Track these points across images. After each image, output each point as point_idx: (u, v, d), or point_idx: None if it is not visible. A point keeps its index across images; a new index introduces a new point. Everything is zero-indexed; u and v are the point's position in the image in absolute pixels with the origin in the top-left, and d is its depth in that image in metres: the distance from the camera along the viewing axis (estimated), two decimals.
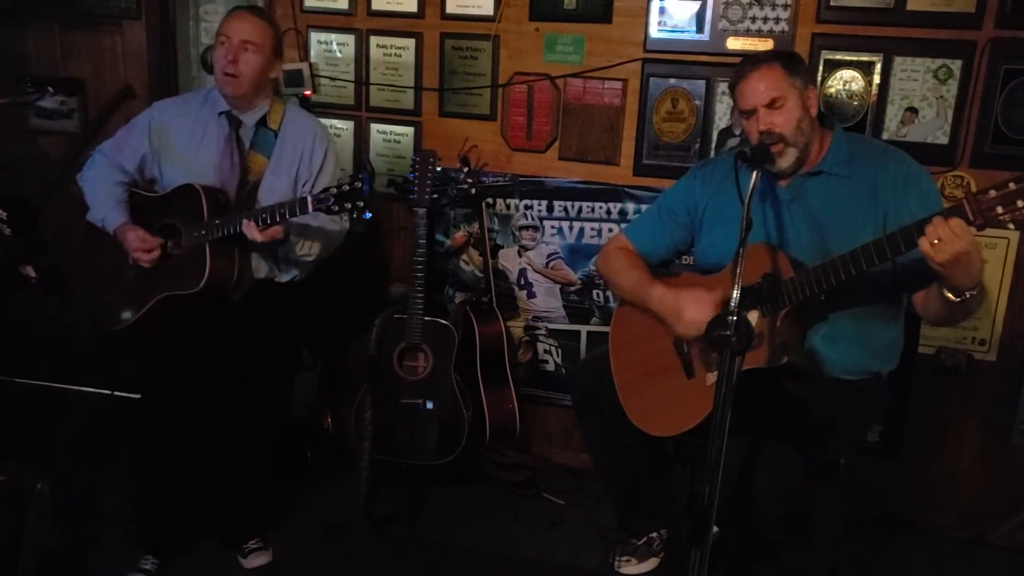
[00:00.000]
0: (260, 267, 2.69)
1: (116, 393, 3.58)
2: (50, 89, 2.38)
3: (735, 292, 1.74)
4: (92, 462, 3.15)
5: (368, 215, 2.33)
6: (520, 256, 3.30)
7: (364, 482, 2.95)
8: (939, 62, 2.77)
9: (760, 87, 2.14)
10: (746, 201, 1.84)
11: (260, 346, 2.61)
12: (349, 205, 2.31)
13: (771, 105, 2.13)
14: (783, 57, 2.21)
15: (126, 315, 2.65)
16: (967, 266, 1.81)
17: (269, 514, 2.89)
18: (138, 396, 2.61)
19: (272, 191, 2.67)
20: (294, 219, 2.45)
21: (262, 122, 2.71)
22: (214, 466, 2.71)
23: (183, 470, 2.63)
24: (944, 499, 3.04)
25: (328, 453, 3.29)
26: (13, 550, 1.82)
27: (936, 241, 1.76)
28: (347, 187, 2.30)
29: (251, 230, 2.42)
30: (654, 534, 2.71)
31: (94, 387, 3.73)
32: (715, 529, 1.82)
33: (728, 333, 1.72)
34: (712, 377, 2.16)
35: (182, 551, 2.70)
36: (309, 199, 2.36)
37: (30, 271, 2.21)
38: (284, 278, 2.75)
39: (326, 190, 2.34)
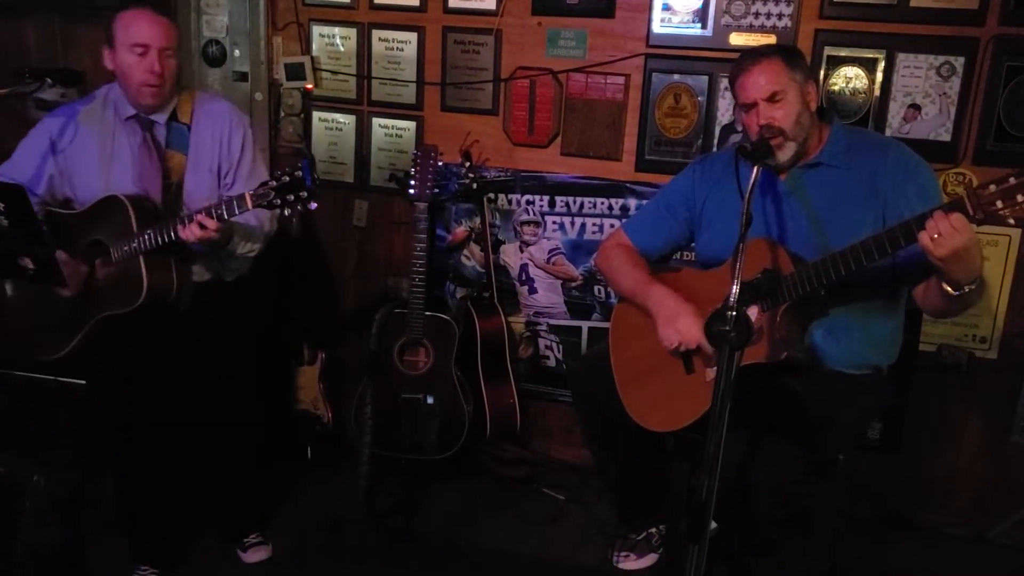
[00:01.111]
0: (202, 271, 2.54)
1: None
2: (49, 80, 2.35)
3: (734, 288, 1.74)
4: (86, 454, 3.13)
5: (314, 205, 2.15)
6: (521, 251, 3.30)
7: (364, 477, 2.96)
8: (942, 59, 2.76)
9: (760, 81, 2.13)
10: (746, 196, 1.84)
11: (220, 346, 2.56)
12: (292, 197, 2.15)
13: (771, 99, 2.13)
14: (783, 51, 2.20)
15: (63, 342, 2.47)
16: (967, 261, 1.81)
17: (266, 508, 2.90)
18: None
19: (196, 188, 2.54)
20: (233, 218, 2.29)
21: (172, 117, 2.53)
22: (201, 466, 2.69)
23: (166, 479, 2.60)
24: (944, 496, 3.04)
25: (328, 448, 3.30)
26: (9, 544, 1.82)
27: (936, 236, 1.76)
28: (287, 178, 2.15)
29: (192, 230, 2.25)
30: (653, 529, 2.71)
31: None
32: (714, 525, 1.82)
33: (727, 328, 1.71)
34: (711, 373, 2.15)
35: (179, 557, 2.70)
36: (247, 195, 2.21)
37: (28, 262, 2.18)
38: (230, 277, 2.62)
39: (264, 184, 2.19)
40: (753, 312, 1.92)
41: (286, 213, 2.17)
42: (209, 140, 2.55)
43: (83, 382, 3.68)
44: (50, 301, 2.46)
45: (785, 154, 2.15)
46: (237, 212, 2.24)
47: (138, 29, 2.38)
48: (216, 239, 2.29)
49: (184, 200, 2.50)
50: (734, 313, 1.71)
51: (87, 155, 2.50)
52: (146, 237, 2.31)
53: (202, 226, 2.23)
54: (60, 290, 2.38)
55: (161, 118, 2.50)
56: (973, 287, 1.89)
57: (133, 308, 2.33)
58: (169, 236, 2.28)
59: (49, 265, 2.20)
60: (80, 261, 2.42)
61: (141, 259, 2.33)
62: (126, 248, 2.34)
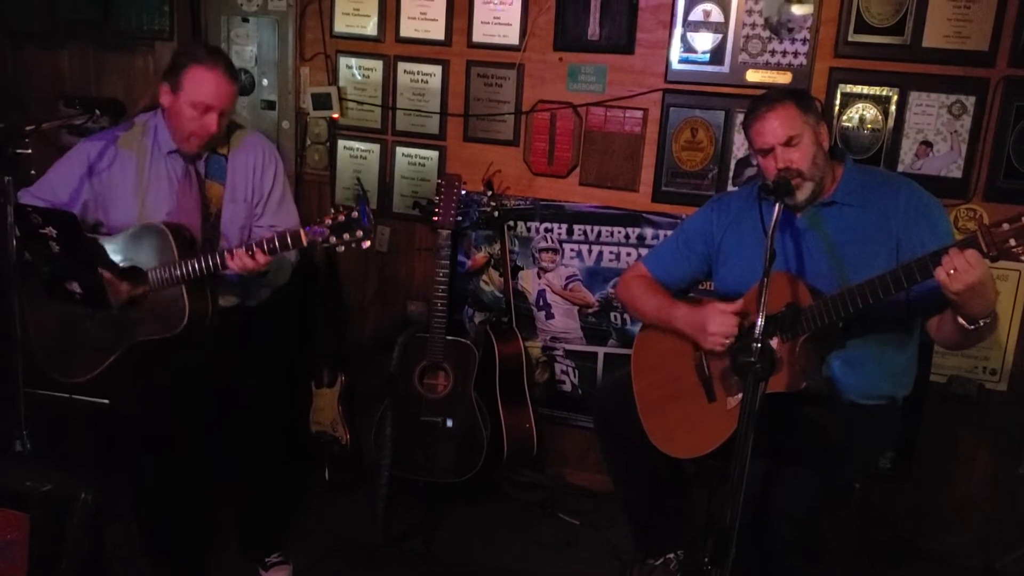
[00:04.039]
0: (229, 298, 2.62)
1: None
2: (97, 111, 2.42)
3: (760, 320, 1.80)
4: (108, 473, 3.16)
5: (367, 244, 2.22)
6: (539, 278, 3.37)
7: (382, 499, 2.99)
8: (953, 98, 2.84)
9: (775, 125, 2.20)
10: (769, 232, 1.91)
11: (242, 369, 2.60)
12: (347, 236, 2.22)
13: (788, 143, 2.20)
14: (795, 95, 2.28)
15: (94, 364, 2.51)
16: (982, 296, 1.87)
17: (288, 528, 2.93)
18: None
19: (233, 218, 2.63)
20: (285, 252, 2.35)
21: (211, 149, 2.61)
22: (223, 486, 2.74)
23: (188, 499, 2.63)
24: (953, 526, 3.08)
25: (346, 470, 3.34)
26: (53, 559, 1.87)
27: (952, 271, 1.83)
28: (342, 218, 2.21)
29: (240, 259, 2.32)
30: (671, 555, 2.74)
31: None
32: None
33: (752, 359, 1.77)
34: (733, 401, 2.21)
35: None
36: (303, 233, 2.26)
37: (75, 286, 2.24)
38: (253, 303, 2.70)
39: (321, 221, 2.24)
40: (773, 343, 1.99)
41: (339, 250, 2.22)
42: (244, 171, 2.63)
43: (101, 401, 3.73)
44: (81, 324, 2.51)
45: (803, 193, 2.22)
46: (291, 248, 2.30)
47: (208, 89, 2.43)
48: (260, 270, 2.35)
49: (221, 229, 2.57)
50: (759, 345, 1.77)
51: (123, 182, 2.56)
52: (189, 266, 2.36)
53: (253, 258, 2.30)
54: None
55: (204, 153, 2.57)
56: (987, 321, 1.96)
57: (176, 334, 2.39)
58: (212, 266, 2.34)
59: (96, 290, 2.26)
60: (122, 281, 2.44)
61: (183, 287, 2.38)
62: (166, 276, 2.39)
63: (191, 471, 2.61)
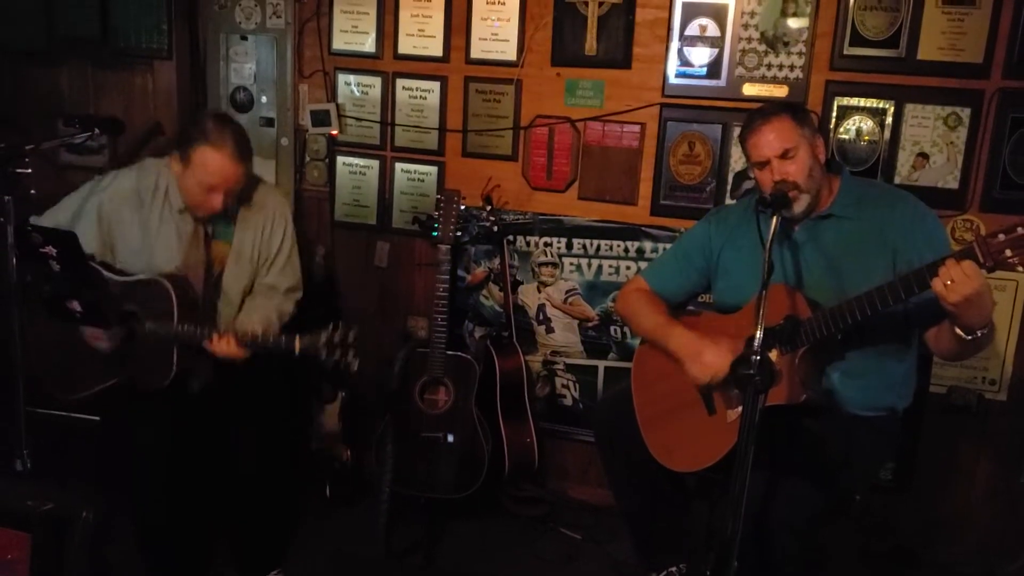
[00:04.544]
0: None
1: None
2: (96, 130, 2.44)
3: (759, 333, 1.81)
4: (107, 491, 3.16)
5: (355, 367, 2.37)
6: (539, 292, 3.38)
7: (383, 514, 2.98)
8: (949, 110, 2.86)
9: (772, 138, 2.22)
10: (767, 245, 1.92)
11: (246, 386, 2.60)
12: (338, 353, 2.34)
13: (784, 155, 2.21)
14: (790, 108, 2.29)
15: (84, 387, 2.56)
16: (979, 306, 1.88)
17: (287, 544, 2.92)
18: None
19: (237, 278, 2.65)
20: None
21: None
22: (222, 502, 2.73)
23: (188, 515, 2.63)
24: (954, 535, 3.08)
25: (347, 485, 3.33)
26: None
27: (949, 282, 1.84)
28: (338, 337, 2.33)
29: (223, 346, 2.37)
30: (674, 568, 2.73)
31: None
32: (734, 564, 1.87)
33: (752, 372, 1.78)
34: (733, 414, 2.22)
35: None
36: (296, 344, 2.33)
37: (76, 305, 2.25)
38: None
39: (313, 344, 2.33)
40: (773, 356, 1.99)
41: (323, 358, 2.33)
42: (252, 232, 2.66)
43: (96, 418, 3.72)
44: (84, 345, 2.52)
45: (800, 205, 2.23)
46: (283, 350, 2.36)
47: (213, 170, 2.44)
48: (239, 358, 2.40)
49: (223, 287, 2.60)
50: (758, 357, 1.78)
51: (132, 233, 2.58)
52: (182, 331, 2.41)
53: (236, 348, 2.37)
54: (97, 343, 2.46)
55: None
56: (985, 331, 1.96)
57: (160, 387, 2.44)
58: (200, 340, 2.39)
59: (96, 308, 2.27)
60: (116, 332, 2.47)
61: (175, 349, 2.43)
62: (162, 333, 2.43)
63: (192, 489, 2.60)
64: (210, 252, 2.60)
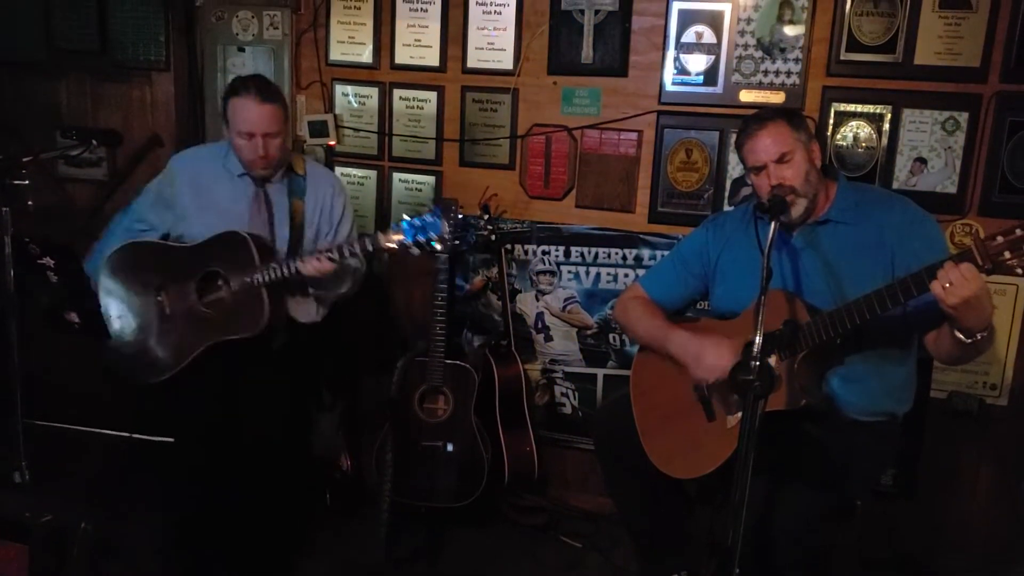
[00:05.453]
0: (308, 312, 2.78)
1: (135, 436, 3.60)
2: (94, 142, 2.45)
3: (758, 338, 1.80)
4: (106, 503, 3.16)
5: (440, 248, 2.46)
6: (538, 300, 3.37)
7: (384, 524, 2.98)
8: (946, 114, 2.86)
9: (768, 143, 2.22)
10: (766, 251, 1.92)
11: (280, 388, 2.68)
12: (423, 239, 2.41)
13: (780, 160, 2.21)
14: (786, 113, 2.29)
15: (167, 366, 2.63)
16: (978, 309, 1.88)
17: (289, 553, 2.92)
18: (159, 439, 2.67)
19: (308, 236, 2.77)
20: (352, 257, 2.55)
21: (289, 169, 2.77)
22: (232, 508, 2.73)
23: (212, 517, 2.66)
24: (957, 541, 3.07)
25: (347, 494, 3.32)
26: None
27: (948, 285, 1.83)
28: (419, 221, 2.42)
29: (313, 263, 2.49)
30: (676, 575, 2.73)
31: (113, 429, 3.73)
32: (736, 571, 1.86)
33: (751, 378, 1.78)
34: (732, 420, 2.21)
35: None
36: (380, 235, 2.45)
37: (73, 316, 2.26)
38: (304, 319, 2.80)
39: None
40: (772, 361, 1.99)
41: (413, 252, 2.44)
42: (312, 201, 2.78)
43: (95, 430, 3.73)
44: (157, 325, 2.64)
45: (797, 210, 2.23)
46: (371, 248, 2.49)
47: (244, 117, 2.58)
48: (333, 273, 2.53)
49: (303, 242, 2.73)
50: (757, 363, 1.77)
51: (202, 199, 2.73)
52: (271, 270, 2.52)
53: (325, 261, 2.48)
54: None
55: (276, 175, 2.73)
56: (985, 334, 1.96)
57: (256, 333, 2.53)
58: (291, 270, 2.50)
59: (94, 319, 2.27)
60: (187, 292, 2.61)
61: (264, 290, 2.53)
62: (248, 280, 2.53)
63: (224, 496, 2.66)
64: (291, 208, 2.72)
